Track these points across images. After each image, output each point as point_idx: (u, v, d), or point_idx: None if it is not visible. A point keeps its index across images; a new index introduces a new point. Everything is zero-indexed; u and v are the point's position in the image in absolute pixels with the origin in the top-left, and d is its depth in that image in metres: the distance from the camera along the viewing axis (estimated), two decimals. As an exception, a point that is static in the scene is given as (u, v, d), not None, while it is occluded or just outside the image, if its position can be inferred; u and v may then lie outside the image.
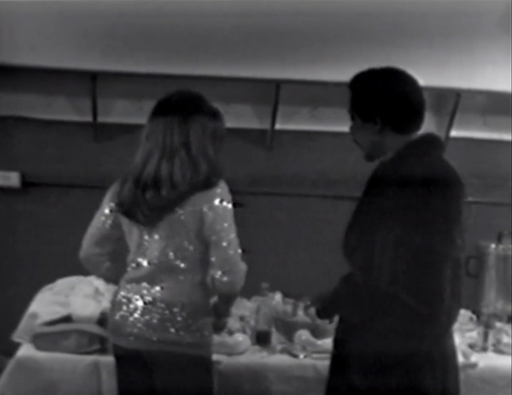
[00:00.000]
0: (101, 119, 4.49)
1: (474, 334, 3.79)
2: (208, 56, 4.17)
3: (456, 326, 3.73)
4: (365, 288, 2.49)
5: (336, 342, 2.74)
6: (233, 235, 2.79)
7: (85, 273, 3.75)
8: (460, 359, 3.39)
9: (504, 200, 4.79)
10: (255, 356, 3.40)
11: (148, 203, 2.80)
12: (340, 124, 3.83)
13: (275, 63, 4.08)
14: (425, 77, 4.20)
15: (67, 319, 3.48)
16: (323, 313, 2.81)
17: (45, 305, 3.59)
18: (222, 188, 2.79)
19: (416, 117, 2.59)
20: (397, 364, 2.44)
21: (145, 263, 2.87)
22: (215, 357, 3.30)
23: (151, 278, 2.85)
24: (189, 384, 2.82)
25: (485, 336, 3.65)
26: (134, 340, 2.85)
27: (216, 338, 3.48)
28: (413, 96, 2.59)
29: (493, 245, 4.28)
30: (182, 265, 2.82)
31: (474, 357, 3.49)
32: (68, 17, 4.01)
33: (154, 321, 2.80)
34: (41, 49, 4.12)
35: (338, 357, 2.69)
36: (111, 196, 2.94)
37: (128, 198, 2.84)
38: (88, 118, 4.53)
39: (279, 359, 3.39)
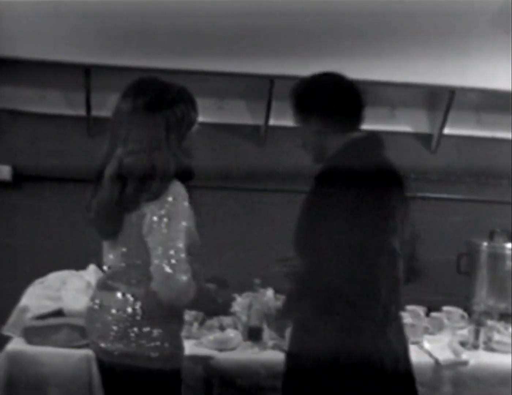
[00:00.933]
0: (94, 113, 4.45)
1: (465, 332, 3.80)
2: (203, 51, 4.14)
3: (446, 323, 3.77)
4: (313, 285, 2.59)
5: (291, 340, 2.80)
6: (169, 249, 2.52)
7: (77, 267, 3.77)
8: (451, 356, 3.43)
9: (497, 197, 4.80)
10: (246, 352, 3.42)
11: (99, 203, 2.66)
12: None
13: (269, 58, 4.07)
14: (419, 74, 4.28)
15: (58, 313, 3.50)
16: (281, 314, 2.97)
17: (36, 299, 3.60)
18: (171, 192, 2.57)
19: (352, 117, 2.73)
20: (344, 361, 2.50)
21: (105, 268, 2.79)
22: (207, 352, 3.32)
23: (109, 285, 2.72)
24: None
25: (476, 334, 3.66)
26: (96, 350, 2.78)
27: (207, 334, 3.51)
28: (347, 97, 2.72)
29: (485, 243, 4.29)
30: (136, 272, 2.66)
31: (465, 355, 3.50)
32: (62, 11, 3.99)
33: (112, 333, 2.65)
34: (35, 42, 4.08)
35: (292, 353, 2.77)
36: None
37: (87, 204, 2.73)
38: (82, 112, 4.50)
39: (271, 355, 3.39)
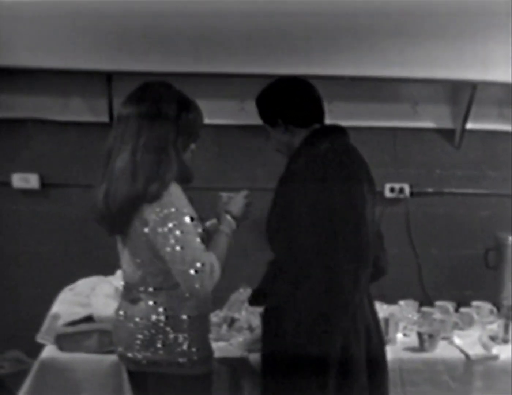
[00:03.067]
0: (117, 119, 4.46)
1: (494, 326, 3.79)
2: (225, 55, 4.16)
3: (476, 318, 3.77)
4: (286, 271, 2.72)
5: (264, 322, 2.91)
6: (186, 252, 2.51)
7: (106, 273, 3.79)
8: (481, 351, 3.43)
9: (522, 191, 4.77)
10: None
11: (107, 206, 2.62)
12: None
13: (291, 59, 4.07)
14: (441, 69, 4.27)
15: (88, 319, 3.50)
16: (253, 300, 3.07)
17: (67, 305, 3.60)
18: (169, 199, 2.55)
19: (311, 110, 2.92)
20: (312, 338, 2.60)
21: (125, 277, 2.80)
22: (237, 354, 3.33)
23: (132, 295, 2.73)
24: None
25: (506, 328, 3.64)
26: (124, 361, 2.79)
27: (237, 336, 3.52)
28: (305, 95, 2.92)
29: (511, 237, 4.27)
30: (153, 280, 2.67)
31: (495, 349, 3.49)
32: (82, 18, 4.00)
33: (138, 341, 2.67)
34: (56, 51, 4.11)
35: (267, 336, 2.87)
36: None
37: (93, 206, 2.71)
38: (105, 119, 4.52)
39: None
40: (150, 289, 2.68)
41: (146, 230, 2.58)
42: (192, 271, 2.49)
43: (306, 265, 2.62)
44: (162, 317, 2.65)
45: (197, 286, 2.50)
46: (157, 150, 2.58)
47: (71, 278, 3.86)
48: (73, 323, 3.46)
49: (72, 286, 3.82)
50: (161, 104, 2.63)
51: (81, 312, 3.54)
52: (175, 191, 2.57)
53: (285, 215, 2.72)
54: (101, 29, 4.06)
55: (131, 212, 2.58)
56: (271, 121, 2.94)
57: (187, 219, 2.55)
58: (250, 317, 3.70)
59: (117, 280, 3.69)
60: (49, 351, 3.35)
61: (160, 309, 2.66)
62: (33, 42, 4.08)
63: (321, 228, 2.61)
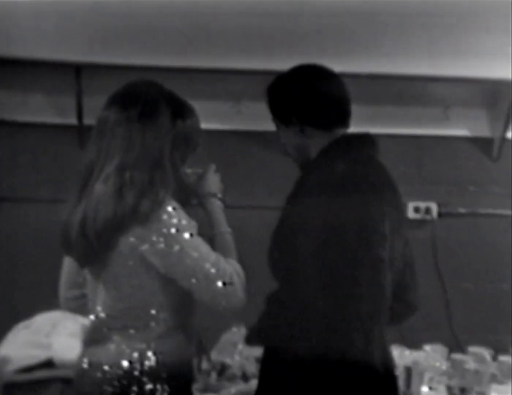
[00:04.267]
0: (87, 121, 4.43)
1: None
2: (219, 47, 4.11)
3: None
4: (289, 303, 2.62)
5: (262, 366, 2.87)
6: (208, 268, 2.51)
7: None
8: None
9: None
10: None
11: (84, 233, 2.55)
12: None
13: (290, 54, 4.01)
14: (477, 68, 4.24)
15: (47, 364, 3.48)
16: (251, 339, 3.08)
17: (20, 347, 3.60)
18: (173, 215, 2.52)
19: (335, 111, 2.77)
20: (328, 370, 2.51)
21: (99, 315, 2.68)
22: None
23: (103, 337, 2.63)
24: None
25: None
26: None
27: (228, 386, 3.47)
28: (330, 90, 2.78)
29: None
30: (132, 317, 2.60)
31: None
32: (48, 3, 3.95)
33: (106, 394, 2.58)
34: (15, 38, 4.04)
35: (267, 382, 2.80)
36: None
37: (63, 231, 2.63)
38: (72, 120, 4.52)
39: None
40: (127, 328, 2.60)
41: (139, 256, 2.53)
42: (220, 285, 2.50)
43: (314, 299, 2.52)
44: (136, 363, 2.57)
45: (232, 300, 2.52)
46: (151, 165, 2.54)
47: (25, 313, 3.82)
48: (28, 369, 3.45)
49: (27, 323, 3.84)
50: (153, 108, 2.59)
51: (39, 355, 3.54)
52: (172, 207, 2.51)
53: (293, 240, 2.61)
54: (70, 13, 3.99)
55: (115, 238, 2.53)
56: (284, 118, 2.79)
57: (193, 233, 2.53)
58: (244, 363, 3.75)
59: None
60: (-6, 405, 3.31)
61: (135, 354, 2.57)
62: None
63: (333, 261, 2.51)
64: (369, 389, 2.63)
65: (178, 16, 3.87)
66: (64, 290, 2.93)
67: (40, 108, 4.57)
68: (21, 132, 4.59)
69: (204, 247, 2.53)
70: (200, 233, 2.57)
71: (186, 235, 2.50)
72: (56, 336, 3.60)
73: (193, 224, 2.55)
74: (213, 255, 2.54)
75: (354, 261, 2.49)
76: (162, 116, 2.58)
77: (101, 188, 2.53)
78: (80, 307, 2.88)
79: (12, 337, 3.68)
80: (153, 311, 2.58)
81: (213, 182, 2.83)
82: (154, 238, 2.49)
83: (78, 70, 4.36)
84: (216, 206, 2.77)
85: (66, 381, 3.26)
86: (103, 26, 4.01)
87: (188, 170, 2.84)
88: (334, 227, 2.51)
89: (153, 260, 2.52)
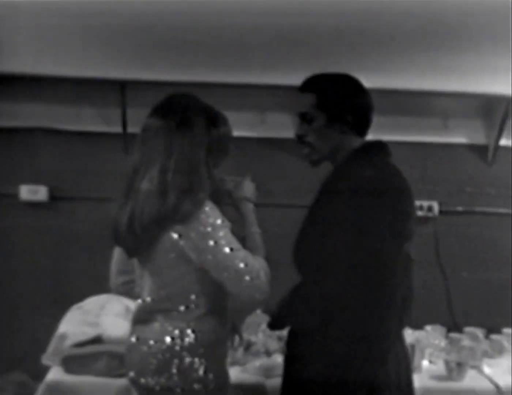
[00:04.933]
0: (131, 129, 4.50)
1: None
2: (244, 64, 4.16)
3: (507, 346, 3.77)
4: (317, 292, 2.59)
5: (288, 345, 2.84)
6: (238, 263, 2.57)
7: (115, 291, 3.79)
8: (513, 382, 3.40)
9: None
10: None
11: (131, 228, 2.64)
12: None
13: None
14: (473, 83, 4.26)
15: (97, 340, 3.51)
16: (275, 324, 2.95)
17: (75, 325, 3.62)
18: (201, 213, 2.58)
19: (370, 121, 2.80)
20: (351, 365, 2.47)
21: (145, 299, 2.78)
22: (253, 379, 3.33)
23: (148, 317, 2.73)
24: None
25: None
26: (137, 387, 2.76)
27: (253, 360, 3.53)
28: (370, 101, 2.80)
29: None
30: (173, 301, 2.69)
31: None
32: (95, 26, 4.01)
33: (151, 366, 2.67)
34: (68, 58, 4.13)
35: (293, 360, 2.78)
36: None
37: (114, 226, 2.72)
38: (118, 129, 4.58)
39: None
40: (169, 310, 2.69)
41: (180, 250, 2.61)
42: (247, 279, 2.56)
43: (341, 292, 2.50)
44: (177, 340, 2.66)
45: (257, 293, 2.60)
46: (189, 169, 2.60)
47: (79, 295, 3.89)
48: (81, 344, 3.47)
49: (80, 304, 3.85)
50: (190, 118, 2.65)
51: (90, 333, 3.55)
52: (209, 207, 2.59)
53: (321, 238, 2.62)
54: (114, 36, 4.06)
55: (159, 233, 2.61)
56: (335, 114, 2.73)
57: (227, 231, 2.60)
58: (268, 340, 3.73)
59: (127, 299, 3.70)
60: (55, 374, 3.36)
61: (176, 331, 2.66)
62: (44, 49, 4.09)
63: (357, 259, 2.49)
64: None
65: (211, 37, 3.93)
66: (115, 277, 2.99)
67: (90, 119, 4.60)
68: (74, 140, 4.63)
69: (235, 244, 2.59)
70: (234, 232, 2.62)
71: (220, 233, 2.57)
72: (104, 316, 3.60)
73: (227, 223, 2.61)
74: (243, 252, 2.59)
75: (386, 256, 2.49)
76: (198, 125, 2.64)
77: (146, 188, 2.58)
78: (129, 291, 2.93)
79: (68, 317, 3.69)
80: (192, 297, 2.67)
81: (248, 188, 2.88)
82: (192, 235, 2.56)
83: (122, 86, 4.39)
84: (249, 209, 2.84)
85: (113, 355, 3.30)
86: (143, 47, 4.09)
87: (228, 178, 2.90)
88: (366, 227, 2.49)
89: (191, 255, 2.60)
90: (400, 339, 2.77)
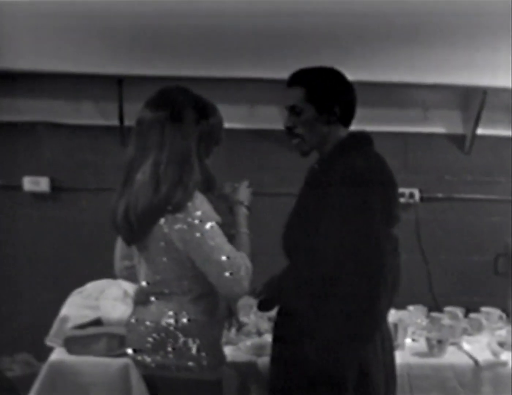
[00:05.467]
0: (127, 122, 4.48)
1: (503, 332, 3.78)
2: (235, 59, 4.16)
3: (485, 324, 3.76)
4: (308, 275, 2.60)
5: (277, 325, 2.85)
6: (220, 257, 2.54)
7: (114, 276, 3.78)
8: (490, 357, 3.41)
9: (533, 197, 4.76)
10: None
11: (127, 218, 2.63)
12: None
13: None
14: (451, 75, 4.26)
15: (97, 322, 3.52)
16: (264, 304, 2.93)
17: (76, 308, 3.63)
18: (191, 204, 2.56)
19: (355, 112, 2.81)
20: (340, 346, 2.49)
21: (142, 283, 2.78)
22: (245, 358, 3.33)
23: (145, 300, 2.74)
24: None
25: (515, 334, 3.64)
26: (137, 365, 2.78)
27: (245, 340, 3.53)
28: (354, 93, 2.80)
29: (521, 243, 4.26)
30: (169, 285, 2.68)
31: (504, 356, 3.48)
32: (92, 22, 4.02)
33: (148, 345, 2.68)
34: (67, 55, 4.13)
35: (280, 341, 2.79)
36: None
37: (111, 215, 2.71)
38: (115, 122, 4.56)
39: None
40: (164, 293, 2.69)
41: (169, 239, 2.60)
42: (227, 274, 2.53)
43: (331, 278, 2.50)
44: (172, 321, 2.66)
45: (235, 288, 2.55)
46: (181, 160, 2.58)
47: (80, 281, 3.89)
48: (82, 326, 3.47)
49: (81, 289, 3.85)
50: (180, 110, 2.62)
51: (90, 315, 3.56)
52: (199, 200, 2.58)
53: (310, 223, 2.63)
54: (111, 33, 4.08)
55: (152, 223, 2.60)
56: (323, 106, 2.72)
57: (214, 225, 2.56)
58: (259, 321, 3.72)
59: (126, 284, 3.70)
60: (57, 354, 3.36)
61: (170, 313, 2.67)
62: (44, 46, 4.11)
63: (350, 243, 2.49)
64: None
65: (204, 34, 3.96)
66: (118, 262, 2.97)
67: (89, 113, 4.60)
68: (74, 133, 4.63)
69: (221, 238, 2.56)
70: (222, 228, 2.60)
71: (207, 226, 2.54)
72: (103, 300, 3.61)
73: (216, 217, 2.59)
74: (227, 247, 2.56)
75: (376, 238, 2.49)
76: (187, 117, 2.61)
77: (141, 180, 2.57)
78: (131, 275, 2.92)
79: (70, 301, 3.72)
80: (185, 282, 2.66)
81: (244, 193, 2.86)
82: (180, 226, 2.55)
83: (119, 81, 4.38)
84: (242, 212, 2.81)
85: (112, 336, 3.30)
86: (140, 43, 4.10)
87: (228, 183, 2.90)
88: (356, 211, 2.50)
89: (178, 244, 2.58)
90: (385, 318, 2.79)
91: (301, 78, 2.78)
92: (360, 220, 2.49)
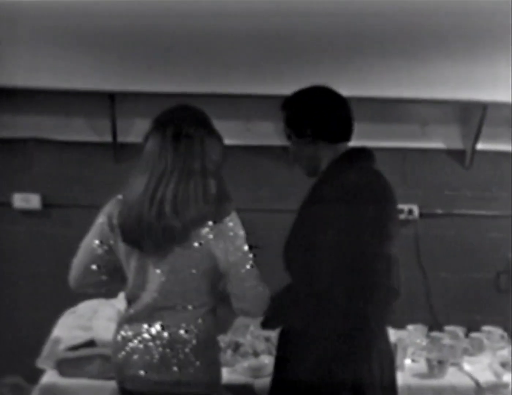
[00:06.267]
0: (120, 139, 4.52)
1: (505, 353, 3.78)
2: (231, 75, 4.18)
3: (486, 344, 3.76)
4: (306, 292, 2.64)
5: (280, 346, 2.87)
6: (248, 266, 2.69)
7: (108, 296, 3.79)
8: (492, 378, 3.41)
9: (534, 213, 4.76)
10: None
11: (157, 232, 2.64)
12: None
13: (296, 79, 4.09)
14: (450, 90, 4.28)
15: (90, 343, 3.49)
16: (267, 323, 2.96)
17: (68, 329, 3.61)
18: (232, 217, 2.69)
19: (343, 127, 2.81)
20: (337, 362, 2.50)
21: (145, 297, 2.75)
22: (241, 379, 3.33)
23: (150, 315, 2.73)
24: None
25: (517, 354, 3.64)
26: (136, 383, 2.74)
27: (241, 361, 3.52)
28: (338, 108, 2.81)
29: (523, 260, 4.26)
30: (184, 300, 2.71)
31: (506, 377, 3.48)
32: (84, 38, 4.04)
33: (155, 361, 2.68)
34: (58, 71, 4.14)
35: (282, 360, 2.81)
36: (106, 220, 2.83)
37: (133, 224, 2.68)
38: (108, 138, 4.56)
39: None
40: (175, 307, 2.71)
41: (206, 248, 2.67)
42: (261, 288, 2.71)
43: (325, 295, 2.53)
44: (177, 336, 2.69)
45: (255, 308, 2.74)
46: (219, 173, 2.72)
47: (72, 301, 3.84)
48: (75, 347, 3.46)
49: (73, 309, 3.85)
50: (214, 130, 2.76)
51: (83, 336, 3.54)
52: (237, 219, 2.73)
53: (309, 240, 2.64)
54: (103, 49, 4.10)
55: (192, 232, 2.65)
56: (299, 130, 2.81)
57: (244, 234, 2.73)
58: (255, 341, 3.72)
59: (119, 303, 3.69)
60: (49, 377, 3.36)
61: (175, 329, 2.69)
62: (35, 62, 4.11)
63: (348, 258, 2.52)
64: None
65: (198, 50, 3.98)
66: (86, 271, 3.00)
67: (81, 129, 4.60)
68: (66, 149, 4.63)
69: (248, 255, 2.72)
70: None
71: (241, 232, 2.70)
72: (96, 320, 3.59)
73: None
74: (256, 270, 2.72)
75: (368, 256, 2.49)
76: (217, 133, 2.77)
77: (181, 191, 2.63)
78: (97, 287, 2.96)
79: (62, 321, 3.70)
80: (203, 296, 2.72)
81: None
82: (221, 235, 2.66)
83: (112, 97, 4.38)
84: None
85: (105, 358, 3.24)
86: (133, 59, 4.12)
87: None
88: (350, 229, 2.52)
89: (216, 253, 2.67)
90: (384, 337, 2.78)
91: (285, 102, 2.88)
92: (350, 237, 2.51)
